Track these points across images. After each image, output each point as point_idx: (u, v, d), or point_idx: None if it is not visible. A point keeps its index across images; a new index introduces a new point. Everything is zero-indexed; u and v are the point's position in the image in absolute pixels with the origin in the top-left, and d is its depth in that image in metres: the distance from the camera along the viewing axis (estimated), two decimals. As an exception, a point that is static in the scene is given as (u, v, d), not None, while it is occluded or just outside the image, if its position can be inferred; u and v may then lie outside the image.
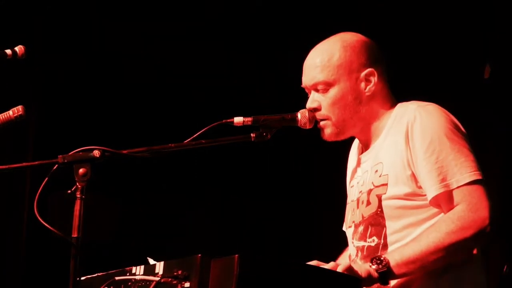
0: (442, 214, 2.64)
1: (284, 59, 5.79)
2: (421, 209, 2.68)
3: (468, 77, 4.77)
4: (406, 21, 5.22)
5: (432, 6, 5.12)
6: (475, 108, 4.62)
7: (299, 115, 2.71)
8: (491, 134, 4.52)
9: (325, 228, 5.72)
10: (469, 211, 2.56)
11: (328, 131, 2.84)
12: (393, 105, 2.88)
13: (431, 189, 2.63)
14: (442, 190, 2.61)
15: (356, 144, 3.03)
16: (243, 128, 2.69)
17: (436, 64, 5.09)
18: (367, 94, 2.82)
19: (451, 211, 2.59)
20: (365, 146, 2.93)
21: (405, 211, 2.69)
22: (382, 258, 2.54)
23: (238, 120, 2.67)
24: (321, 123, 2.85)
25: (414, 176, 2.68)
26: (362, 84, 2.82)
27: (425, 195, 2.67)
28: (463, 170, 2.61)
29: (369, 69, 2.82)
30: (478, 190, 2.60)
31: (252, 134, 2.66)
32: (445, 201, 2.62)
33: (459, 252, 2.61)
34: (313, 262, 2.80)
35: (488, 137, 4.50)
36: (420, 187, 2.68)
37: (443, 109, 2.78)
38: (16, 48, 2.89)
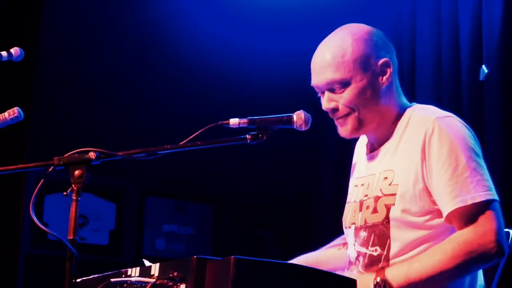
0: (450, 232, 2.61)
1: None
2: (428, 226, 2.63)
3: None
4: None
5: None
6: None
7: (294, 116, 2.67)
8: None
9: (324, 229, 5.73)
10: (475, 233, 2.53)
11: (349, 127, 2.75)
12: (403, 99, 2.81)
13: (447, 205, 2.58)
14: (456, 206, 2.56)
15: (363, 140, 2.97)
16: (239, 129, 2.68)
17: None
18: (384, 86, 2.75)
19: (459, 233, 2.56)
20: (373, 144, 2.86)
21: (412, 227, 2.64)
22: (385, 284, 2.51)
23: (234, 121, 2.66)
24: (340, 119, 2.76)
25: (426, 190, 2.63)
26: (379, 76, 2.74)
27: (434, 210, 2.63)
28: (478, 188, 2.56)
29: (383, 59, 2.75)
30: (489, 211, 2.56)
31: (248, 136, 2.65)
32: (457, 218, 2.58)
33: (463, 274, 2.59)
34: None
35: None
36: (433, 202, 2.63)
37: (462, 122, 2.71)
38: (12, 50, 2.90)
